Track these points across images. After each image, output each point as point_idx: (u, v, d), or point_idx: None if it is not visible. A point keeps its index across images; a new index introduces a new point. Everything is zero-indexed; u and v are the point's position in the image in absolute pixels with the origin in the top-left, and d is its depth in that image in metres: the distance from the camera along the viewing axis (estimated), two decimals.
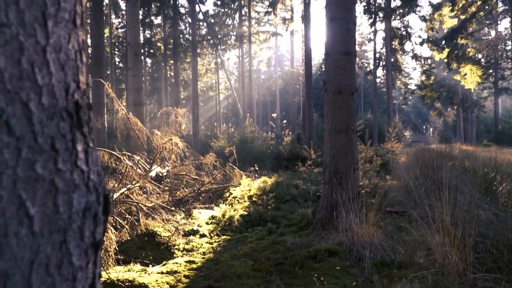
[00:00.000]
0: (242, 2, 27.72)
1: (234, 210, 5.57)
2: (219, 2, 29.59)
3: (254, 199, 6.36)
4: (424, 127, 67.51)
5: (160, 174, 7.37)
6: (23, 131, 0.49)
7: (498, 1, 21.00)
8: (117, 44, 32.42)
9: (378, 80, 33.14)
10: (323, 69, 4.66)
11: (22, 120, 0.49)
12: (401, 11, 23.39)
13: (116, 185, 4.86)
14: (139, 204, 4.88)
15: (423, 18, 22.98)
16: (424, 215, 3.99)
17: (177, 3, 24.12)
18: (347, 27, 4.20)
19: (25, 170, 0.49)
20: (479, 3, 18.88)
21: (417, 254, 3.45)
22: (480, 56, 22.42)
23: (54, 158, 0.52)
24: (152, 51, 28.79)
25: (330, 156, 4.35)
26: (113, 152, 6.53)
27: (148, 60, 33.74)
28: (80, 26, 0.58)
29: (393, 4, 23.13)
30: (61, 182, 0.53)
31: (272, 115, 23.60)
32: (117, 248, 3.61)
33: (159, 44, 29.51)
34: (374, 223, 4.04)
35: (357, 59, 39.08)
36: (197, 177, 7.60)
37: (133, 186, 5.34)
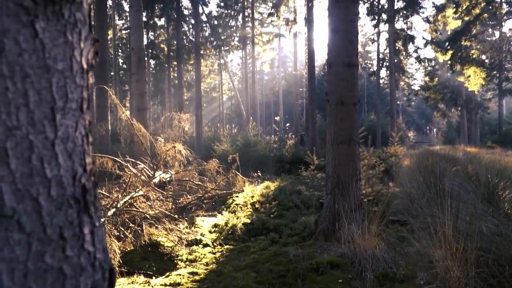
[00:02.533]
0: (245, 3, 27.75)
1: (237, 218, 5.60)
2: (222, 4, 29.63)
3: (257, 206, 6.39)
4: (427, 127, 67.30)
5: (164, 180, 7.41)
6: (33, 226, 0.52)
7: (503, 2, 20.89)
8: (120, 45, 32.56)
9: (381, 81, 33.08)
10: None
11: (32, 215, 0.52)
12: (405, 12, 23.36)
13: (119, 195, 4.89)
14: (143, 213, 4.91)
15: (427, 20, 22.93)
16: (426, 225, 3.99)
17: (180, 5, 24.18)
18: (349, 38, 4.21)
19: (35, 263, 0.52)
20: (483, 4, 18.81)
21: (419, 267, 3.46)
22: (484, 57, 22.32)
23: (62, 246, 0.55)
24: (155, 53, 28.87)
25: (332, 166, 4.37)
26: (116, 159, 6.57)
27: (152, 62, 33.84)
28: (87, 110, 0.61)
29: (396, 6, 23.09)
30: (68, 268, 0.55)
31: (275, 118, 23.62)
32: (120, 261, 3.64)
33: (162, 46, 29.59)
34: (376, 234, 4.05)
35: (360, 59, 38.73)
36: (200, 183, 7.64)
37: (136, 194, 5.38)
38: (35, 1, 0.51)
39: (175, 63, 27.19)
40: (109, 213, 4.45)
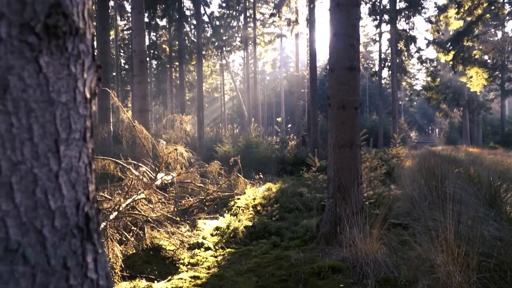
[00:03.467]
0: (247, 4, 27.78)
1: (239, 221, 5.61)
2: (224, 4, 29.65)
3: (258, 208, 6.40)
4: (430, 128, 67.18)
5: (165, 182, 7.43)
6: (37, 258, 0.52)
7: (505, 2, 20.82)
8: (122, 46, 32.62)
9: (383, 81, 33.03)
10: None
11: (36, 247, 0.53)
12: (406, 12, 23.33)
13: (122, 199, 4.90)
14: (145, 216, 4.93)
15: (429, 20, 22.89)
16: (428, 229, 3.99)
17: (182, 5, 24.20)
18: (351, 42, 4.22)
19: None
20: (485, 5, 18.76)
21: (421, 272, 3.46)
22: (486, 58, 22.25)
23: (66, 276, 0.56)
24: (157, 53, 28.91)
25: (334, 170, 4.37)
26: (119, 161, 6.59)
27: (154, 62, 33.88)
28: (90, 139, 0.62)
29: (398, 6, 23.05)
30: None
31: (277, 119, 23.61)
32: (122, 265, 3.65)
33: (164, 47, 29.63)
34: (378, 238, 4.05)
35: (362, 59, 38.64)
36: (202, 185, 7.65)
37: (138, 197, 5.39)
38: (39, 36, 0.52)
39: (177, 63, 27.21)
40: (111, 217, 4.46)
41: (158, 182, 6.87)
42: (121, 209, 4.76)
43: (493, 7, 18.92)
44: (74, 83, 0.58)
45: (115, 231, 4.29)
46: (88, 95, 0.61)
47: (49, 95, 0.54)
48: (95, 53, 0.63)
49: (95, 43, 0.61)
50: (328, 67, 4.56)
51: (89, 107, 0.62)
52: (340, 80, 4.25)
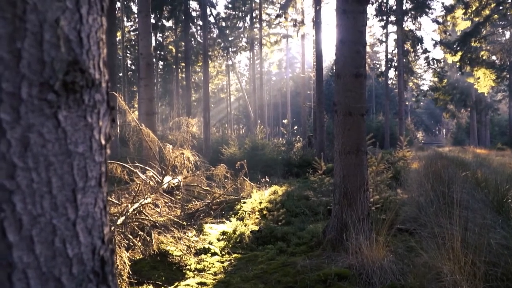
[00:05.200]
0: (253, 5, 27.80)
1: (245, 226, 5.62)
2: (230, 5, 29.70)
3: (264, 212, 6.41)
4: (436, 128, 66.73)
5: (172, 185, 7.47)
6: None
7: None
8: (129, 47, 32.79)
9: (389, 81, 32.88)
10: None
11: None
12: (413, 13, 23.21)
13: (129, 204, 4.94)
14: (152, 221, 4.96)
15: (436, 21, 22.75)
16: (434, 235, 3.98)
17: (189, 7, 24.27)
18: (357, 49, 4.22)
19: None
20: (493, 5, 18.61)
21: (427, 280, 3.45)
22: (494, 58, 22.08)
23: None
24: (163, 54, 29.03)
25: (340, 177, 4.38)
26: (126, 165, 6.64)
27: (160, 63, 34.01)
28: (105, 183, 0.64)
29: (404, 7, 22.93)
30: None
31: (283, 121, 23.62)
32: (130, 272, 3.69)
33: (170, 47, 29.74)
34: (384, 245, 4.05)
35: (368, 60, 38.55)
36: (208, 188, 7.67)
37: (145, 201, 5.43)
38: (58, 93, 0.54)
39: (183, 64, 27.31)
40: (119, 222, 4.50)
41: (164, 186, 6.91)
42: (128, 214, 4.79)
43: (501, 8, 18.78)
44: (90, 133, 0.60)
45: (123, 237, 4.33)
46: (103, 142, 0.63)
47: (67, 148, 0.56)
48: (110, 99, 0.65)
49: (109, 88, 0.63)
50: (334, 72, 4.57)
51: (104, 153, 0.64)
52: (347, 87, 4.26)
